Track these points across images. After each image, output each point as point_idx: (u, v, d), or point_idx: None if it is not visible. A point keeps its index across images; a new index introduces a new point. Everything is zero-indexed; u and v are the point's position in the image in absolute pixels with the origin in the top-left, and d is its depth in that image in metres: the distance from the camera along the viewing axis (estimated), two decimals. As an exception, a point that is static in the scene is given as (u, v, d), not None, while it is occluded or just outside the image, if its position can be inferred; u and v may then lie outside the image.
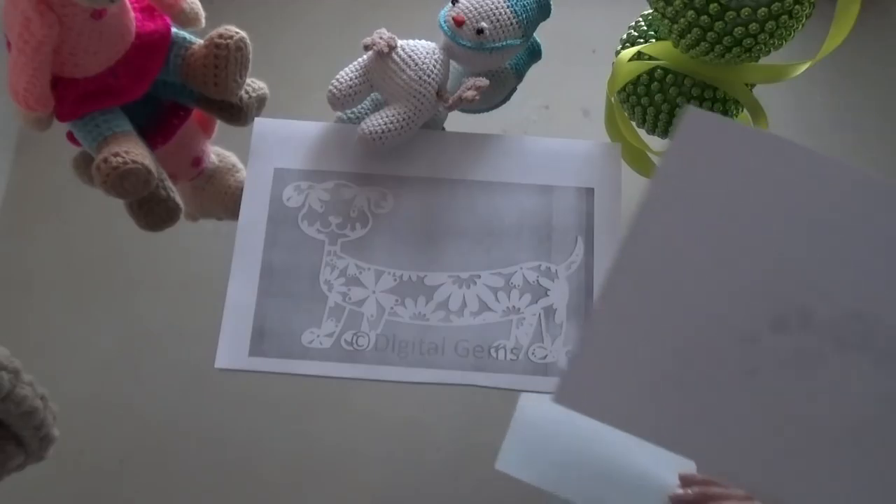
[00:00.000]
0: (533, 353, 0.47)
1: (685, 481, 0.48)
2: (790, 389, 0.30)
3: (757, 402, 0.30)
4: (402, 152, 0.51)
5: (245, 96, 0.51)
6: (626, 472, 0.49)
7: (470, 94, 0.49)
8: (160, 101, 0.51)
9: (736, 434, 0.30)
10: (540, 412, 0.49)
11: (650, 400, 0.31)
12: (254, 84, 0.52)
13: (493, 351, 0.47)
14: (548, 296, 0.49)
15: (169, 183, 0.51)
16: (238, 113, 0.52)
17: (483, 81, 0.49)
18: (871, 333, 0.30)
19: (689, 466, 0.49)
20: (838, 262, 0.30)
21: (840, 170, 0.29)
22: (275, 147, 0.51)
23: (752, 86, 0.52)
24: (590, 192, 0.51)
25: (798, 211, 0.30)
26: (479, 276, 0.49)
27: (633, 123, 0.56)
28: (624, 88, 0.55)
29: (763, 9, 0.45)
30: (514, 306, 0.48)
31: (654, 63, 0.52)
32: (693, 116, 0.30)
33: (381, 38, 0.49)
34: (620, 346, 0.32)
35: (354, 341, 0.47)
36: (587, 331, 0.33)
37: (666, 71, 0.52)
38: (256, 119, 0.52)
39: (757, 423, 0.30)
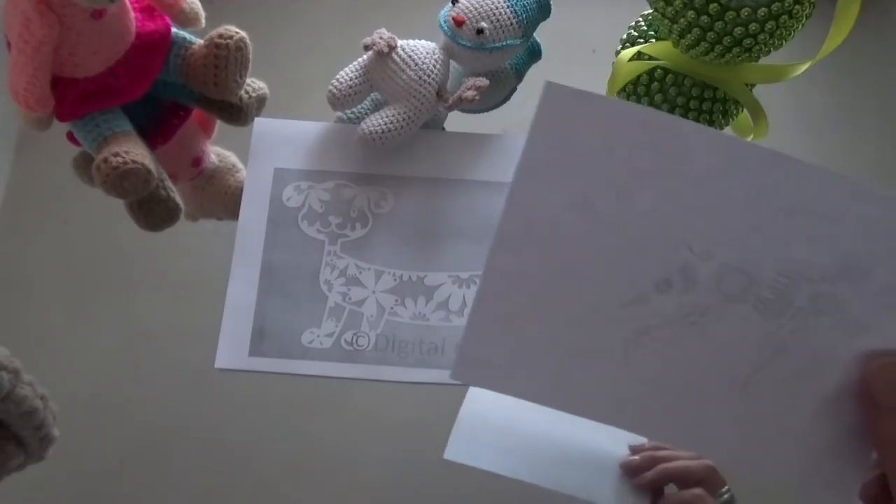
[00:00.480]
0: None
1: (634, 450, 0.51)
2: (682, 345, 0.31)
3: (651, 360, 0.32)
4: (402, 152, 0.51)
5: (245, 96, 0.51)
6: (580, 448, 0.50)
7: (470, 94, 0.49)
8: (160, 101, 0.51)
9: (635, 391, 0.32)
10: (488, 398, 0.49)
11: (546, 367, 0.33)
12: (254, 84, 0.52)
13: None
14: None
15: (169, 183, 0.51)
16: (238, 113, 0.52)
17: (483, 81, 0.49)
18: (751, 284, 0.31)
19: (641, 438, 0.50)
20: (710, 220, 0.31)
21: (699, 132, 0.30)
22: (275, 147, 0.51)
23: (752, 86, 0.52)
24: None
25: (665, 175, 0.31)
26: (479, 277, 0.49)
27: (633, 123, 0.56)
28: (624, 88, 0.55)
29: (763, 9, 0.45)
30: None
31: (654, 63, 0.52)
32: (551, 89, 0.30)
33: (381, 38, 0.49)
34: (509, 318, 0.33)
35: (354, 341, 0.47)
36: (475, 305, 0.33)
37: (666, 71, 0.52)
38: (256, 119, 0.52)
39: (654, 378, 0.32)
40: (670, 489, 0.50)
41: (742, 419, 0.32)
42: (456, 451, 0.49)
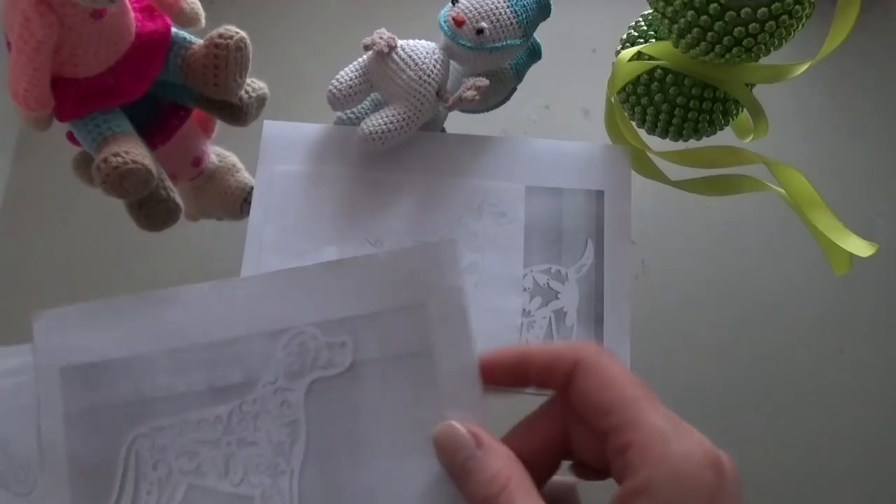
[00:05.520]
0: None
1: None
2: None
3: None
4: (406, 154, 0.51)
5: (245, 96, 0.51)
6: None
7: (470, 94, 0.49)
8: (160, 101, 0.51)
9: None
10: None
11: None
12: (254, 84, 0.52)
13: None
14: (558, 298, 0.49)
15: (169, 183, 0.51)
16: (238, 113, 0.52)
17: (483, 81, 0.49)
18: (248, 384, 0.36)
19: None
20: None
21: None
22: (284, 149, 0.51)
23: (752, 86, 0.52)
24: (600, 194, 0.51)
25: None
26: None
27: (633, 123, 0.56)
28: (624, 88, 0.55)
29: (763, 9, 0.45)
30: (524, 309, 0.48)
31: (654, 63, 0.52)
32: (41, 317, 0.39)
33: (381, 38, 0.49)
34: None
35: None
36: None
37: (666, 71, 0.52)
38: (266, 122, 0.52)
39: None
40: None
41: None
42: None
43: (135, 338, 0.37)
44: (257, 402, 0.36)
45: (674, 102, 0.52)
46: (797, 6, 0.46)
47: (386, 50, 0.48)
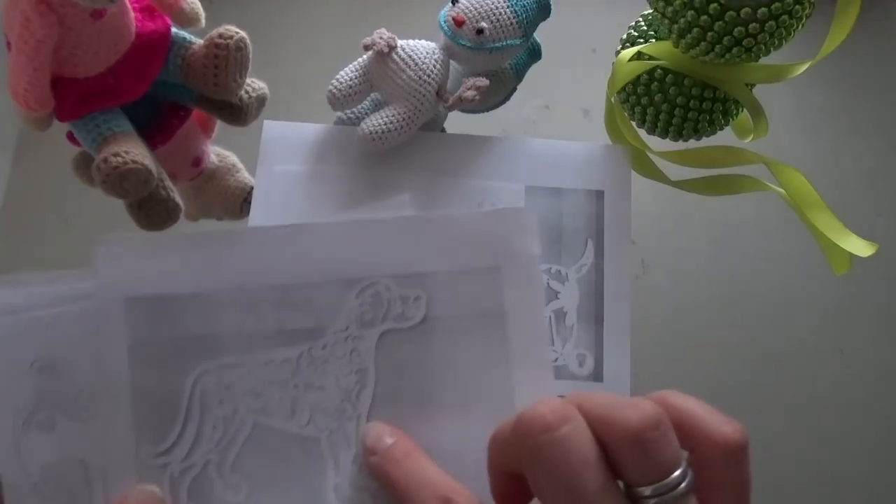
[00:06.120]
0: None
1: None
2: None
3: None
4: (406, 154, 0.51)
5: (245, 96, 0.51)
6: None
7: (470, 94, 0.49)
8: (160, 101, 0.51)
9: None
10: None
11: None
12: (254, 84, 0.52)
13: None
14: (558, 298, 0.49)
15: (169, 183, 0.51)
16: (238, 113, 0.52)
17: (483, 81, 0.49)
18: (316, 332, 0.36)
19: None
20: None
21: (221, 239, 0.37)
22: (284, 150, 0.51)
23: (752, 86, 0.52)
24: (600, 194, 0.51)
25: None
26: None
27: (633, 123, 0.56)
28: (624, 88, 0.55)
29: (763, 9, 0.45)
30: None
31: (654, 63, 0.52)
32: (104, 244, 0.36)
33: (381, 38, 0.49)
34: None
35: None
36: None
37: (666, 71, 0.52)
38: (266, 122, 0.52)
39: None
40: None
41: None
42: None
43: (204, 273, 0.36)
44: (327, 347, 0.35)
45: (674, 102, 0.52)
46: (797, 6, 0.46)
47: (386, 50, 0.48)
